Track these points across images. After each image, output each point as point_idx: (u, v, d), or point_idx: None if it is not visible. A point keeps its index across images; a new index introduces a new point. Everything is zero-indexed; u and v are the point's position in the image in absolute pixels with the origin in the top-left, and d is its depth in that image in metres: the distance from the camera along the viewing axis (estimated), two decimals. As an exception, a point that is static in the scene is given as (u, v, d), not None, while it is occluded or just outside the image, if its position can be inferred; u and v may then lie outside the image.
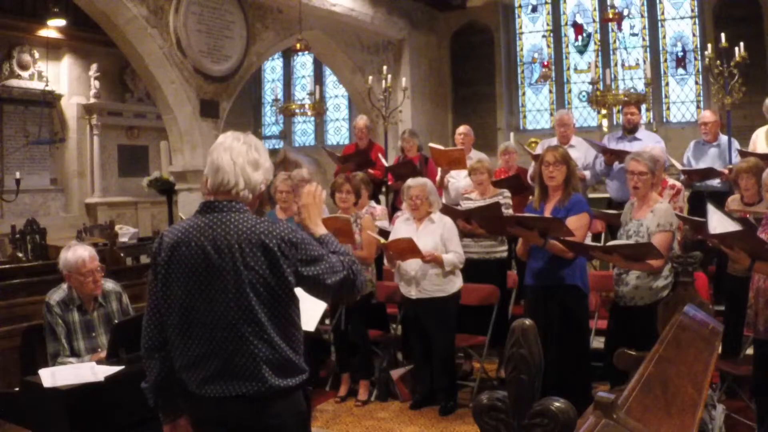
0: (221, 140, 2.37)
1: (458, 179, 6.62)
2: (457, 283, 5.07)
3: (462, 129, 7.22)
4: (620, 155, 6.06)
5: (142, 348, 2.42)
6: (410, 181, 5.18)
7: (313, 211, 2.53)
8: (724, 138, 6.75)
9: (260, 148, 2.37)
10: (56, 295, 3.89)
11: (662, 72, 12.02)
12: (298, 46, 8.78)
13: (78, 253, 3.84)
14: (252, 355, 2.22)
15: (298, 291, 2.52)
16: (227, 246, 2.23)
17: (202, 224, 2.29)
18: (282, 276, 2.25)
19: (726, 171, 6.18)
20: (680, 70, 12.03)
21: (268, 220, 2.32)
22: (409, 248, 4.86)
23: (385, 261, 5.40)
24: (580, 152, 6.47)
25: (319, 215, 2.56)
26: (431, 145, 6.81)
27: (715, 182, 6.30)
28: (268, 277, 2.23)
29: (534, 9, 13.06)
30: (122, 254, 8.67)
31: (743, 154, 5.91)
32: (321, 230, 2.49)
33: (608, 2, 9.32)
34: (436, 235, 4.99)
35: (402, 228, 5.17)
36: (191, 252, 2.26)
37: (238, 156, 2.30)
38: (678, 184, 5.56)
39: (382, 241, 5.05)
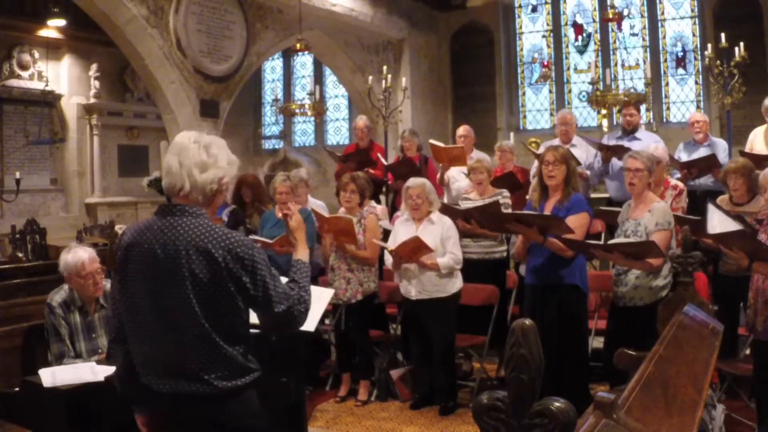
0: (176, 140, 2.40)
1: (460, 179, 6.60)
2: (457, 283, 5.07)
3: (462, 131, 7.17)
4: (617, 151, 6.06)
5: (108, 339, 2.48)
6: (410, 182, 5.18)
7: (300, 237, 2.68)
8: (714, 139, 6.75)
9: (211, 148, 2.37)
10: (58, 296, 3.89)
11: (662, 72, 12.03)
12: (298, 46, 8.80)
13: (78, 256, 3.83)
14: (197, 359, 2.26)
15: None
16: (175, 251, 2.26)
17: (156, 227, 2.32)
18: (224, 286, 2.26)
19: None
20: (680, 70, 12.04)
21: (221, 228, 2.32)
22: (417, 247, 4.86)
23: (386, 262, 5.40)
24: (582, 151, 6.47)
25: (305, 240, 2.69)
26: (431, 141, 6.78)
27: (710, 181, 6.29)
28: (209, 285, 2.24)
29: (534, 9, 13.07)
30: (122, 254, 8.65)
31: (744, 154, 5.91)
32: (302, 256, 2.59)
33: (608, 2, 9.33)
34: (435, 235, 4.98)
35: (401, 229, 5.17)
36: (143, 254, 2.31)
37: (185, 158, 2.33)
38: (680, 184, 5.56)
39: (390, 248, 5.03)
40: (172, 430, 2.38)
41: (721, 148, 6.55)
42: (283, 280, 2.46)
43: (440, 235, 5.00)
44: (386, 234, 5.50)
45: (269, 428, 2.49)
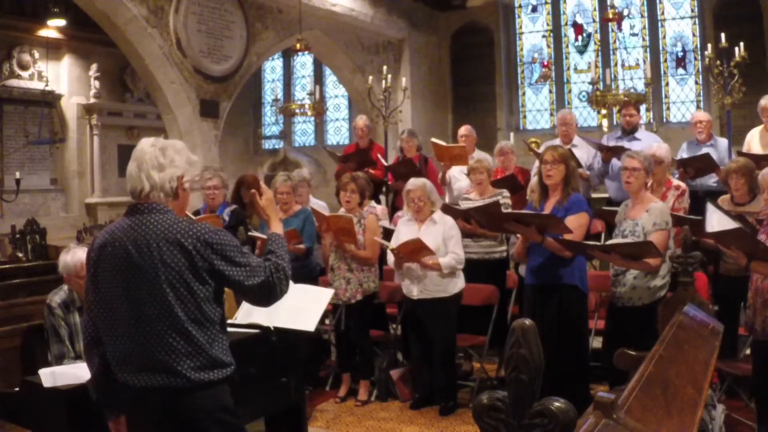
0: (137, 146, 2.51)
1: (461, 179, 6.60)
2: (458, 284, 5.07)
3: (463, 131, 7.17)
4: (617, 151, 6.05)
5: (83, 343, 2.55)
6: (410, 185, 5.16)
7: (271, 212, 2.75)
8: (718, 138, 6.73)
9: (167, 151, 2.47)
10: (57, 297, 3.88)
11: (662, 72, 12.03)
12: (298, 46, 8.80)
13: (77, 257, 3.83)
14: (171, 350, 2.33)
15: (297, 290, 2.58)
16: (146, 245, 2.35)
17: (126, 226, 2.41)
18: (198, 274, 2.36)
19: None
20: (680, 70, 12.04)
21: (187, 220, 2.44)
22: (418, 248, 4.86)
23: (388, 261, 5.40)
24: (583, 152, 6.46)
25: (277, 215, 2.77)
26: (433, 140, 6.78)
27: (711, 181, 6.28)
28: (185, 275, 2.34)
29: (534, 9, 13.07)
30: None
31: (741, 154, 5.91)
32: (276, 228, 2.68)
33: (608, 2, 9.33)
34: (437, 235, 4.98)
35: (403, 229, 5.17)
36: (115, 252, 2.39)
37: (143, 162, 2.44)
38: (683, 185, 5.54)
39: (391, 247, 5.03)
40: (146, 425, 2.41)
41: (725, 147, 6.53)
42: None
43: (442, 234, 5.00)
44: (387, 233, 5.50)
45: (241, 424, 2.52)
